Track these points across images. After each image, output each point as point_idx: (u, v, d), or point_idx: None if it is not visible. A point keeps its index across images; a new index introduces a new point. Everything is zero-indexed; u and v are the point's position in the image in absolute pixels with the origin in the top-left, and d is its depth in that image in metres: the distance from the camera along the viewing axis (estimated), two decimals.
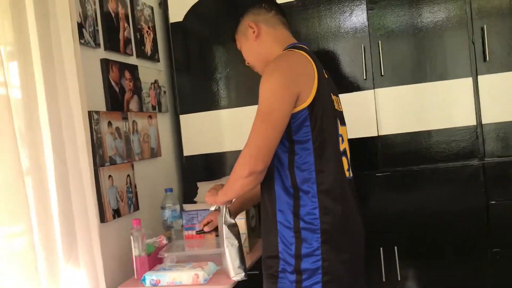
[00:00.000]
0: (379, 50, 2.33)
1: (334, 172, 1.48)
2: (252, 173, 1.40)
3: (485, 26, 2.22)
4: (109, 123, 2.04)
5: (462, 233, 2.28)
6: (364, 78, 2.35)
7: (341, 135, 1.57)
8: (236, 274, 1.69)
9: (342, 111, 1.67)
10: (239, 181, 1.44)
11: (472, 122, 2.26)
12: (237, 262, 1.69)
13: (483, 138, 2.26)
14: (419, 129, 2.32)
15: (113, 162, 2.03)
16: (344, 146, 1.58)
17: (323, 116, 1.46)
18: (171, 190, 2.18)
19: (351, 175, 1.61)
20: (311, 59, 1.50)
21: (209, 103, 2.61)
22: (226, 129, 2.60)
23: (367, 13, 2.35)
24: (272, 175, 1.49)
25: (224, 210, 1.67)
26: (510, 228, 2.22)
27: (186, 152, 2.65)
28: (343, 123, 1.63)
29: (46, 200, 1.58)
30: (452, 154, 2.29)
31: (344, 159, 1.56)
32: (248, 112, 2.49)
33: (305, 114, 1.43)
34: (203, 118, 2.62)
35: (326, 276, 1.42)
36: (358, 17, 2.36)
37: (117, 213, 2.02)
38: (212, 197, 1.62)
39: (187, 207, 2.13)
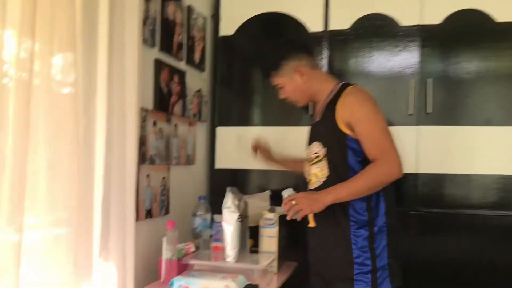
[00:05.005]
0: (425, 87, 2.33)
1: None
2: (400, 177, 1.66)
3: None
4: (154, 123, 2.03)
5: (493, 286, 2.21)
6: (409, 113, 2.33)
7: None
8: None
9: None
10: (386, 179, 1.66)
11: None
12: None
13: None
14: (459, 172, 2.28)
15: (152, 162, 2.02)
16: None
17: None
18: (204, 198, 2.15)
19: None
20: None
21: (245, 118, 2.62)
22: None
23: (420, 50, 2.35)
24: None
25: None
26: None
27: (218, 164, 2.63)
28: None
29: (91, 189, 1.57)
30: (491, 202, 2.24)
31: None
32: (279, 132, 2.53)
33: None
34: (238, 133, 2.61)
35: (391, 270, 1.70)
36: (410, 53, 2.36)
37: (149, 214, 1.99)
38: (317, 202, 1.65)
39: (218, 217, 2.09)
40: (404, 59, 2.36)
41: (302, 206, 1.65)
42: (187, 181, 2.41)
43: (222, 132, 2.63)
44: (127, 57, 1.72)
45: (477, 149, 2.27)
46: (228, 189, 1.93)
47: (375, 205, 1.73)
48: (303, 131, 2.44)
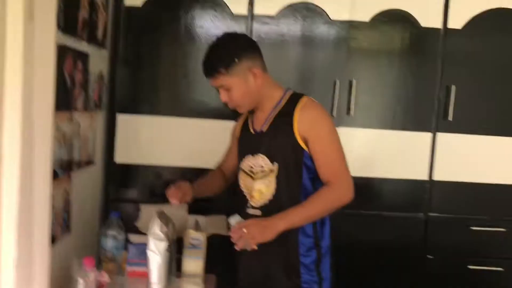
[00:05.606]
0: (351, 88, 2.26)
1: None
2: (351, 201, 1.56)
3: (453, 87, 2.27)
4: (57, 128, 1.60)
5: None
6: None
7: None
8: None
9: None
10: (339, 204, 1.55)
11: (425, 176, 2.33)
12: None
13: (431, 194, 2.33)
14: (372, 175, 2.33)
15: (55, 176, 1.61)
16: None
17: None
18: (118, 214, 1.80)
19: None
20: None
21: (152, 106, 2.28)
22: (167, 139, 2.29)
23: None
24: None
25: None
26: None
27: (119, 159, 2.27)
28: None
29: None
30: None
31: None
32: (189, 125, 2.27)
33: None
34: (144, 123, 2.27)
35: None
36: None
37: (53, 239, 1.60)
38: (269, 229, 1.49)
39: (134, 238, 1.78)
40: None
41: (253, 234, 1.48)
42: (88, 185, 2.02)
43: (125, 121, 2.26)
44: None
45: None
46: (156, 212, 1.64)
47: (321, 227, 1.64)
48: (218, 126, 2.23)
